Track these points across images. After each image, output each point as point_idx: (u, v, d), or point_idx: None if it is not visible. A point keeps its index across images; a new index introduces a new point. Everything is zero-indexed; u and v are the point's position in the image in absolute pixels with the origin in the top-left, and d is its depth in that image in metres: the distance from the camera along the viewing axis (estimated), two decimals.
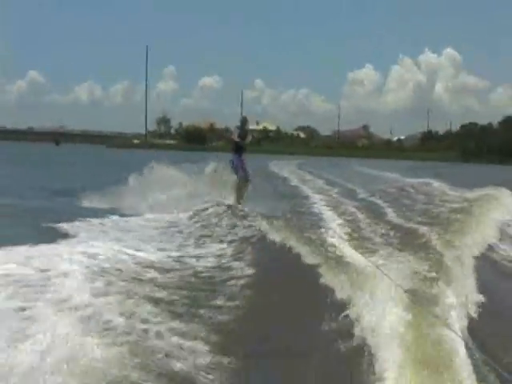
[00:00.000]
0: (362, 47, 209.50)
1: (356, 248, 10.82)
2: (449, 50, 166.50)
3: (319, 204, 20.17)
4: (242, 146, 18.31)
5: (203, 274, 8.93)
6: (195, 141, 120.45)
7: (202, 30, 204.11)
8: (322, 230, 13.36)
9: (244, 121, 19.36)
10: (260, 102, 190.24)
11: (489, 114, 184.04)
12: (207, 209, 16.54)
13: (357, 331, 5.92)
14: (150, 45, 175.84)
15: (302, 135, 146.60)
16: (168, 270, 8.92)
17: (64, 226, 12.70)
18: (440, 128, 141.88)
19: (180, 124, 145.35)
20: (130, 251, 9.71)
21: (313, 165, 51.57)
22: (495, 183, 22.68)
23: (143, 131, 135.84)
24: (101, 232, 12.29)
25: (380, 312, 6.13)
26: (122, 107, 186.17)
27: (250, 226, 13.03)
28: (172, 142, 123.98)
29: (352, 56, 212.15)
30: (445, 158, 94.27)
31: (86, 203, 19.06)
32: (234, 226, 13.51)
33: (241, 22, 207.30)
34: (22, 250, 8.68)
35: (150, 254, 9.86)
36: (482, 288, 7.77)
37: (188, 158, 30.22)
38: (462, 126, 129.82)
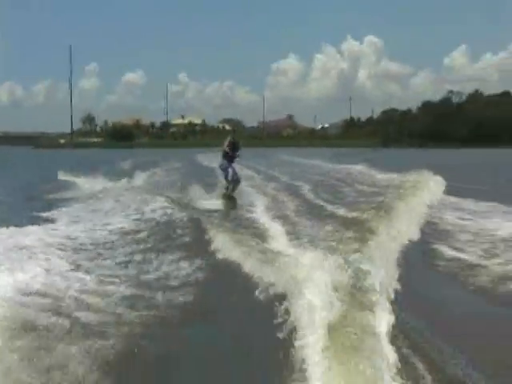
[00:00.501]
0: (285, 37, 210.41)
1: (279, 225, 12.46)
2: (370, 37, 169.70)
3: (245, 188, 21.67)
4: (232, 155, 18.27)
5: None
6: (122, 138, 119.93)
7: (123, 26, 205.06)
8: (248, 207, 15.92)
9: (235, 130, 18.87)
10: (184, 95, 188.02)
11: (411, 99, 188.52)
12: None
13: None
14: (71, 42, 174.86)
15: (227, 127, 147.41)
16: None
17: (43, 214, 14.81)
18: (363, 115, 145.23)
19: (105, 122, 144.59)
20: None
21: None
22: (417, 166, 24.44)
23: (67, 130, 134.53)
24: (73, 216, 14.55)
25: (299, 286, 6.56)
26: (44, 107, 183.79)
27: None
28: (98, 139, 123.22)
29: (275, 47, 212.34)
30: (367, 144, 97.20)
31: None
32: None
33: (162, 16, 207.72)
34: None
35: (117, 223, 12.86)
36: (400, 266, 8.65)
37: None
38: (383, 112, 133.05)
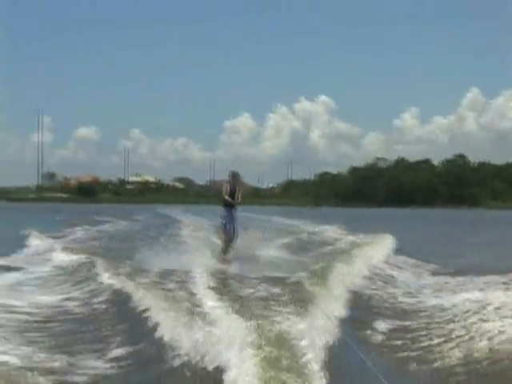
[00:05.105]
0: (239, 96, 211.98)
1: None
2: (323, 98, 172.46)
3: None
4: (232, 203, 17.24)
5: None
6: (86, 194, 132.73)
7: (76, 79, 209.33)
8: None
9: (234, 176, 17.74)
10: (137, 151, 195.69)
11: (362, 158, 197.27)
12: None
13: None
14: (26, 93, 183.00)
15: (180, 186, 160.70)
16: None
17: None
18: (309, 175, 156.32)
19: (65, 178, 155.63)
20: None
21: (190, 210, 64.23)
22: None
23: (19, 183, 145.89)
24: None
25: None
26: None
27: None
28: (64, 195, 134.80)
29: (229, 104, 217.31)
30: (300, 203, 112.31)
31: None
32: None
33: (116, 70, 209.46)
34: None
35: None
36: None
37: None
38: (319, 175, 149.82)
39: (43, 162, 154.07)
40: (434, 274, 15.92)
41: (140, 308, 9.91)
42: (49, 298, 12.02)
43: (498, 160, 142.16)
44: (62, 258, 17.87)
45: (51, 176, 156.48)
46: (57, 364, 7.48)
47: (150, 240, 24.62)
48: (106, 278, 13.41)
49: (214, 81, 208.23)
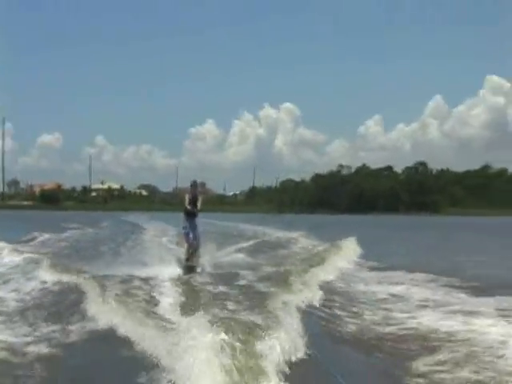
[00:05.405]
0: (204, 103, 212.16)
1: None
2: (287, 104, 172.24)
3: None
4: (193, 212, 17.59)
5: None
6: (50, 201, 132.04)
7: (37, 85, 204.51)
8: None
9: (194, 185, 18.10)
10: (101, 158, 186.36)
11: (326, 165, 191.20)
12: None
13: None
14: None
15: (144, 193, 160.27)
16: None
17: None
18: (273, 182, 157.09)
19: (30, 186, 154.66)
20: None
21: (155, 217, 64.56)
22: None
23: None
24: None
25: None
26: None
27: None
28: (29, 203, 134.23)
29: (194, 111, 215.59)
30: (264, 209, 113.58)
31: None
32: None
33: (79, 77, 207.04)
34: None
35: None
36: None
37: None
38: (281, 182, 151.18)
39: (5, 169, 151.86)
40: (373, 269, 18.15)
41: (98, 306, 10.91)
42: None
43: (460, 167, 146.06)
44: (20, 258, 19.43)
45: (15, 183, 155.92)
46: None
47: (115, 245, 26.60)
48: (72, 279, 14.31)
49: (178, 88, 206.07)
